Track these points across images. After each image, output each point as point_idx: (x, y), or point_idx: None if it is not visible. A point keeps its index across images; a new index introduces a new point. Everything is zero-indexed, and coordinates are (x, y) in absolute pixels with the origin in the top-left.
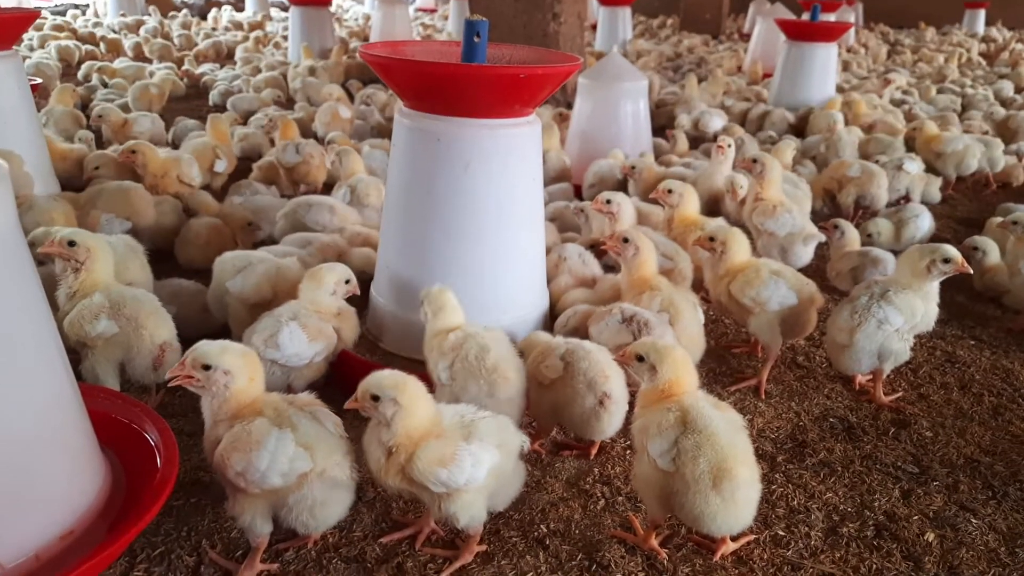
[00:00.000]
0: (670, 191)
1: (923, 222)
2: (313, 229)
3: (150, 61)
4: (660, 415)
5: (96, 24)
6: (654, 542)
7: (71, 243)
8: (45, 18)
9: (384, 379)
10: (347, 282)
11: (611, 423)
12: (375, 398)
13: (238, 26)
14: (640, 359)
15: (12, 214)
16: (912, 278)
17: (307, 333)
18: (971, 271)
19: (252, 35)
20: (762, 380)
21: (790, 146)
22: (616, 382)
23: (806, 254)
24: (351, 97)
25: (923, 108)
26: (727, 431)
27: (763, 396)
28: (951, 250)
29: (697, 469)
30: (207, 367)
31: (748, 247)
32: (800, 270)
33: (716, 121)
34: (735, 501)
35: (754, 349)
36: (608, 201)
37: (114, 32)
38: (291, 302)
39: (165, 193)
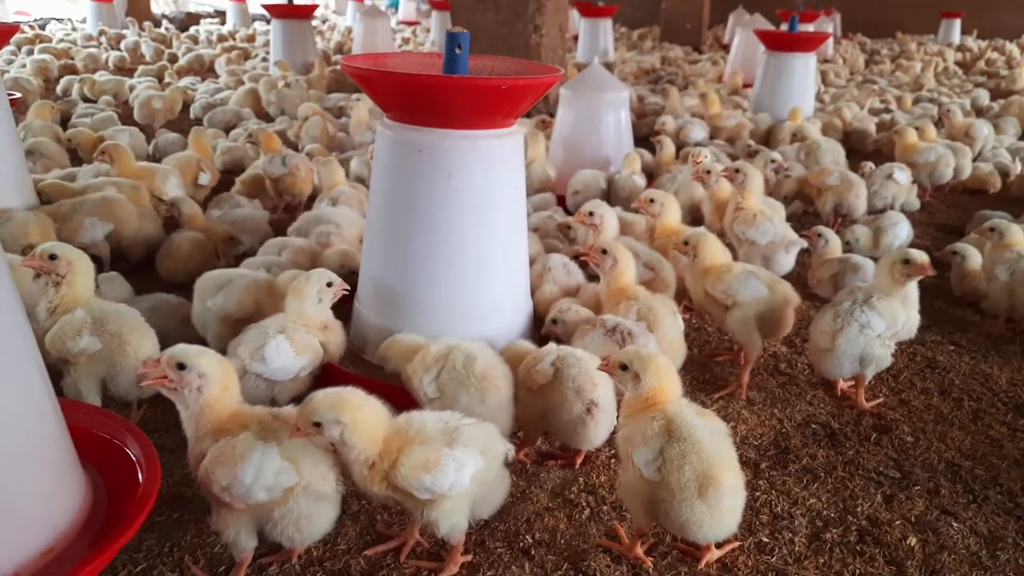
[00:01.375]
0: (652, 201)
1: (901, 230)
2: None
3: (131, 74)
4: (645, 424)
5: (73, 40)
6: (639, 551)
7: (52, 256)
8: (25, 32)
9: (320, 403)
10: (329, 284)
11: (597, 432)
12: (318, 424)
13: (222, 38)
14: (624, 368)
15: None
16: (887, 284)
17: (294, 347)
18: (934, 273)
19: (231, 46)
20: (743, 382)
21: (765, 157)
22: (604, 390)
23: (788, 262)
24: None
25: (900, 117)
26: (712, 439)
27: (745, 400)
28: (912, 252)
29: (682, 477)
30: (182, 366)
31: (721, 249)
32: (782, 278)
33: (697, 132)
34: (720, 509)
35: (737, 357)
36: (591, 213)
37: (95, 45)
38: (278, 315)
39: (137, 204)
